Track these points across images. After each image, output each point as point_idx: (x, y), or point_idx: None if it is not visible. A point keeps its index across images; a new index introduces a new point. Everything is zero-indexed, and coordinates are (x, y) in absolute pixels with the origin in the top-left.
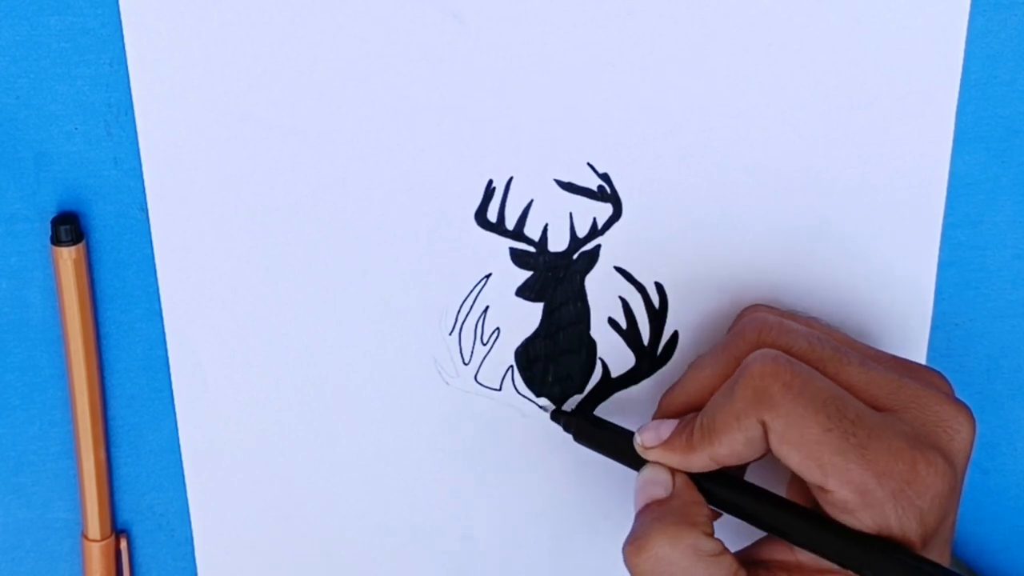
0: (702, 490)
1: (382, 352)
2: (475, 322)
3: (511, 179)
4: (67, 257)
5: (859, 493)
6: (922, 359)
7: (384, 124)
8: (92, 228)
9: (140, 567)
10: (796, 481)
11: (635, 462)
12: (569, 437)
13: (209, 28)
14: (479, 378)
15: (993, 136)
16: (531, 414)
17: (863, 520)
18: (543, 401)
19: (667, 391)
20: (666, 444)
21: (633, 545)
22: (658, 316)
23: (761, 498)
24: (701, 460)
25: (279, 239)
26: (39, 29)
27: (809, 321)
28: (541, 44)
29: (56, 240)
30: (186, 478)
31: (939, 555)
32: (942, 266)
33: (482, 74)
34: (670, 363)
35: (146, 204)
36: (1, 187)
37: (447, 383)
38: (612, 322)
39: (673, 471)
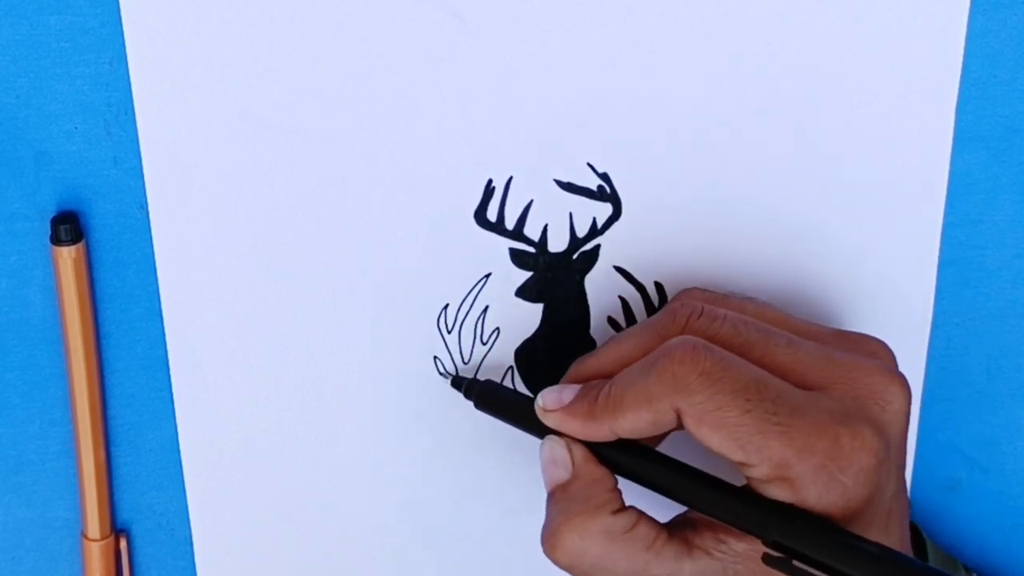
0: (605, 460)
1: (382, 352)
2: (475, 322)
3: (511, 179)
4: (67, 256)
5: (779, 468)
6: (922, 358)
7: (384, 123)
8: (92, 227)
9: (140, 566)
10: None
11: (538, 430)
12: None
13: (209, 27)
14: (479, 378)
15: (993, 135)
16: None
17: (783, 495)
18: (442, 368)
19: (580, 359)
20: (567, 408)
21: (547, 541)
22: None
23: (664, 465)
24: (601, 431)
25: (279, 238)
26: (39, 28)
27: (742, 303)
28: (541, 43)
29: (56, 239)
30: (185, 477)
31: (881, 530)
32: (942, 265)
33: (482, 73)
34: None
35: (146, 203)
36: (1, 186)
37: (447, 383)
38: (612, 322)
39: (570, 446)
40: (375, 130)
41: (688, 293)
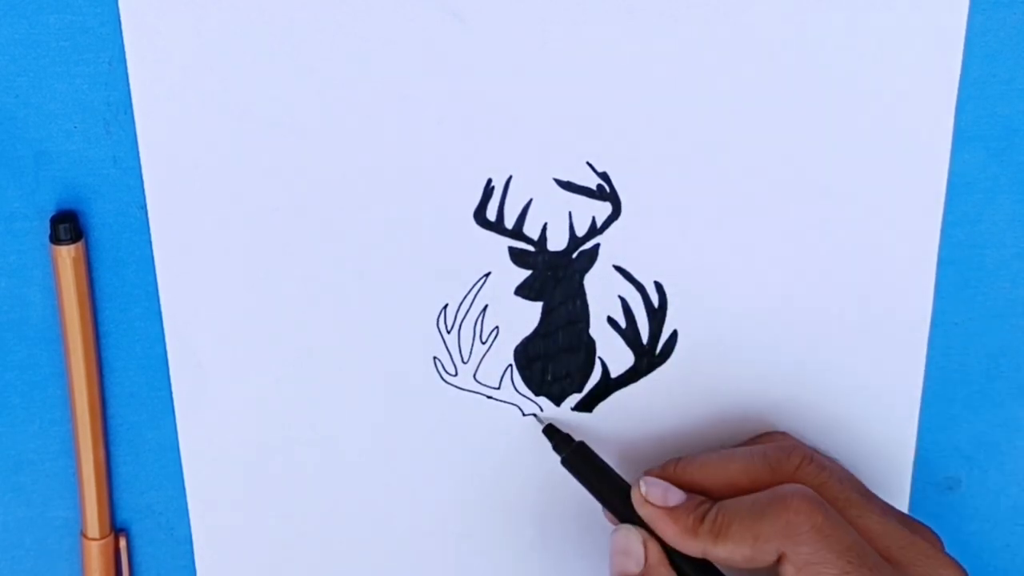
0: (675, 566)
1: (381, 350)
2: (474, 321)
3: (510, 178)
4: (66, 256)
5: None
6: (921, 359)
7: (383, 123)
8: (91, 226)
9: (139, 566)
10: None
11: (618, 508)
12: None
13: (208, 27)
14: (478, 377)
15: (992, 135)
16: (531, 413)
17: None
18: (543, 413)
19: (683, 459)
20: (669, 512)
21: None
22: (657, 315)
23: None
24: (695, 548)
25: (278, 238)
26: (38, 28)
27: (832, 462)
28: (541, 43)
29: (55, 239)
30: (185, 477)
31: None
32: (941, 265)
33: (482, 73)
34: (669, 362)
35: (145, 202)
36: (0, 185)
37: (446, 382)
38: (611, 321)
39: (647, 542)
40: (374, 130)
41: (785, 436)
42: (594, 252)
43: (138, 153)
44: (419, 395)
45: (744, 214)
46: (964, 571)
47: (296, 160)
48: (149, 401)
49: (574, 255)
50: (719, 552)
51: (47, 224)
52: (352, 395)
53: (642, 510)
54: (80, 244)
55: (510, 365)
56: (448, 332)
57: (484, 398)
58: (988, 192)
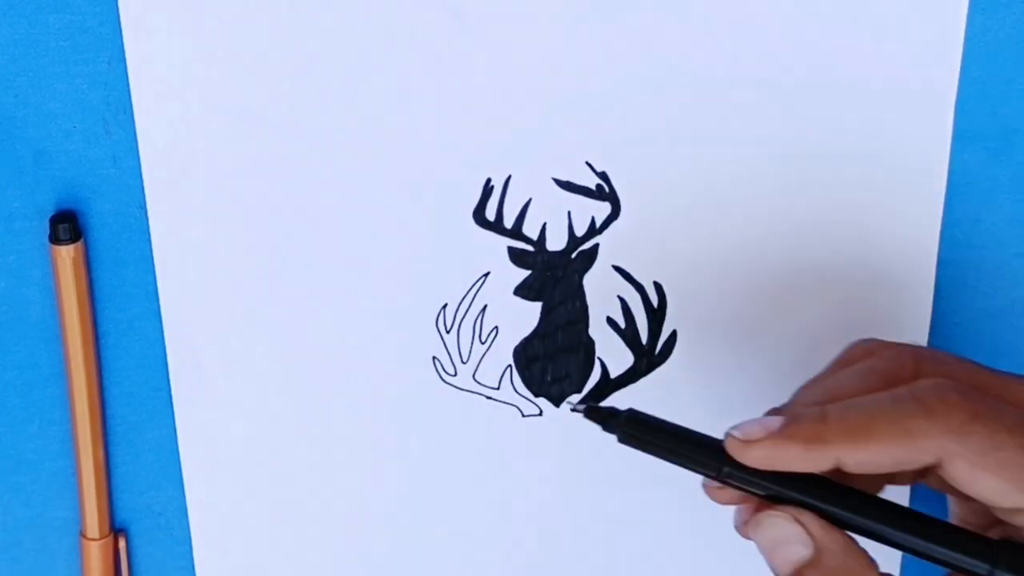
0: (837, 523)
1: (380, 350)
2: (473, 321)
3: (509, 177)
4: (66, 255)
5: None
6: None
7: (382, 122)
8: (91, 226)
9: (138, 566)
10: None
11: (712, 466)
12: (566, 435)
13: (207, 26)
14: (477, 377)
15: (992, 135)
16: (530, 413)
17: None
18: (573, 399)
19: (774, 409)
20: (781, 434)
21: None
22: (657, 315)
23: (898, 515)
24: (826, 458)
25: (277, 237)
26: (38, 27)
27: (944, 353)
28: (540, 42)
29: (55, 238)
30: (184, 477)
31: None
32: (941, 265)
33: (481, 72)
34: (668, 362)
35: (145, 202)
36: (0, 185)
37: (446, 382)
38: (611, 321)
39: (799, 517)
40: (373, 129)
41: (876, 342)
42: (593, 252)
43: (137, 153)
44: (418, 395)
45: (744, 214)
46: None
47: (295, 159)
48: (149, 401)
49: (573, 255)
50: (861, 456)
51: (46, 224)
52: (351, 395)
53: (750, 454)
54: (79, 244)
55: (509, 365)
56: (447, 332)
57: (483, 398)
58: (988, 192)
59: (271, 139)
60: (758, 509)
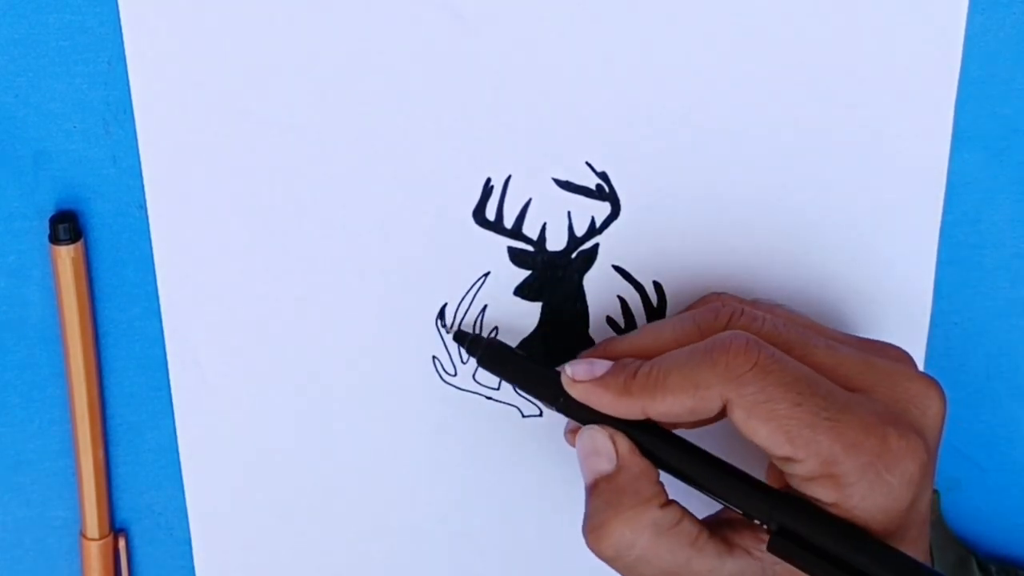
0: (644, 450)
1: (380, 351)
2: (473, 321)
3: (509, 177)
4: (66, 255)
5: (825, 464)
6: (921, 358)
7: (382, 122)
8: (91, 226)
9: (138, 566)
10: (772, 468)
11: (549, 395)
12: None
13: (208, 26)
14: (477, 377)
15: (991, 135)
16: (530, 413)
17: (827, 493)
18: (441, 368)
19: (610, 339)
20: (599, 381)
21: (593, 533)
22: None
23: (695, 457)
24: (633, 408)
25: (278, 237)
26: (38, 27)
27: (773, 308)
28: (540, 42)
29: (55, 238)
30: (184, 477)
31: (917, 534)
32: (941, 265)
33: (481, 72)
34: None
35: (145, 202)
36: None
37: (445, 382)
38: (610, 321)
39: (614, 436)
40: (373, 128)
41: (720, 296)
42: (593, 252)
43: (138, 153)
44: (418, 395)
45: (743, 214)
46: (935, 383)
47: (295, 159)
48: (148, 401)
49: (573, 255)
50: (660, 407)
51: (46, 224)
52: (351, 395)
53: (573, 391)
54: (79, 244)
55: None
56: (447, 332)
57: (483, 398)
58: (987, 192)
59: (271, 139)
60: None
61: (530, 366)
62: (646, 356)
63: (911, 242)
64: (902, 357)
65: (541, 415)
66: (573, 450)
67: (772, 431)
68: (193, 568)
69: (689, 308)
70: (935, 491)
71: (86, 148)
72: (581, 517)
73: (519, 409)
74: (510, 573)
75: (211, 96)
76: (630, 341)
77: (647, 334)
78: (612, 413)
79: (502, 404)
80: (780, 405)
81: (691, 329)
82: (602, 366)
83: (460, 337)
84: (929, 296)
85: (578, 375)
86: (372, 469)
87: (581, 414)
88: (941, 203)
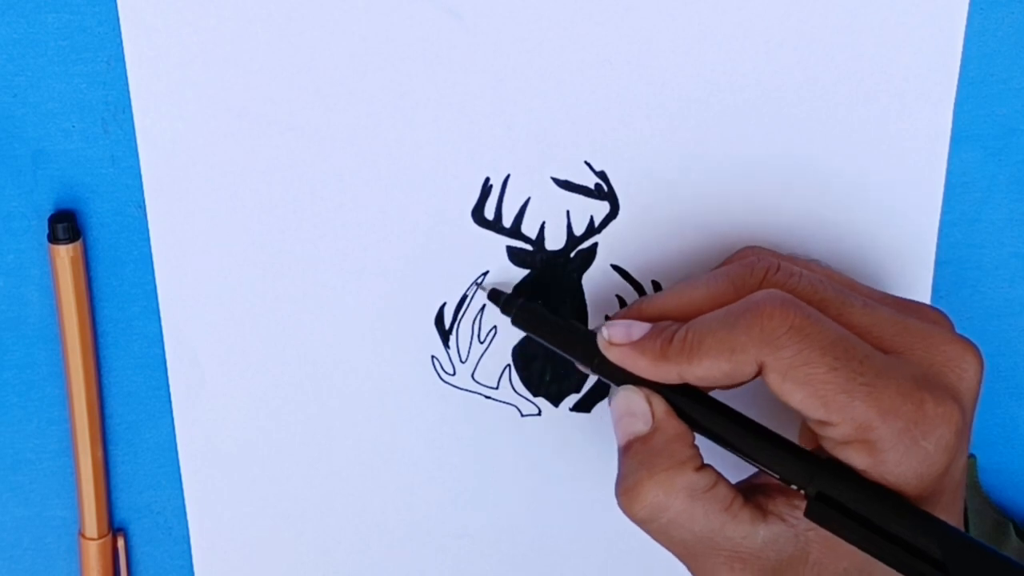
0: (681, 413)
1: (379, 350)
2: (472, 320)
3: (508, 177)
4: (64, 255)
5: (861, 429)
6: None
7: (381, 121)
8: (89, 226)
9: (137, 565)
10: (805, 428)
11: (587, 357)
12: (564, 435)
13: (207, 26)
14: (476, 376)
15: (990, 134)
16: (529, 412)
17: (861, 459)
18: (487, 283)
19: (646, 297)
20: (636, 345)
21: (626, 495)
22: None
23: (733, 421)
24: (670, 372)
25: (276, 237)
26: (37, 27)
27: (809, 264)
28: (538, 41)
29: (53, 238)
30: (183, 476)
31: (951, 499)
32: (939, 264)
33: (479, 71)
34: None
35: (144, 202)
36: None
37: (444, 381)
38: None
39: (650, 398)
40: (372, 128)
41: (752, 249)
42: (592, 251)
43: (136, 152)
44: (417, 394)
45: (742, 213)
46: (972, 345)
47: (294, 158)
48: (147, 400)
49: (572, 254)
50: (696, 371)
51: (45, 223)
52: (350, 394)
53: (611, 354)
54: (78, 244)
55: (508, 365)
56: (446, 331)
57: (482, 398)
58: (986, 191)
59: (270, 138)
60: None
61: (566, 325)
62: (682, 317)
63: (910, 241)
64: (939, 319)
65: (540, 414)
66: (572, 449)
67: (808, 395)
68: (192, 567)
69: (724, 263)
70: (972, 456)
71: (85, 148)
72: (580, 515)
73: (518, 408)
74: (509, 572)
75: (210, 96)
76: (665, 300)
77: (682, 293)
78: (649, 377)
79: (501, 404)
80: (816, 369)
81: (726, 287)
82: (639, 329)
83: (494, 296)
84: (928, 295)
85: (616, 338)
86: (371, 468)
87: (617, 375)
88: (940, 202)
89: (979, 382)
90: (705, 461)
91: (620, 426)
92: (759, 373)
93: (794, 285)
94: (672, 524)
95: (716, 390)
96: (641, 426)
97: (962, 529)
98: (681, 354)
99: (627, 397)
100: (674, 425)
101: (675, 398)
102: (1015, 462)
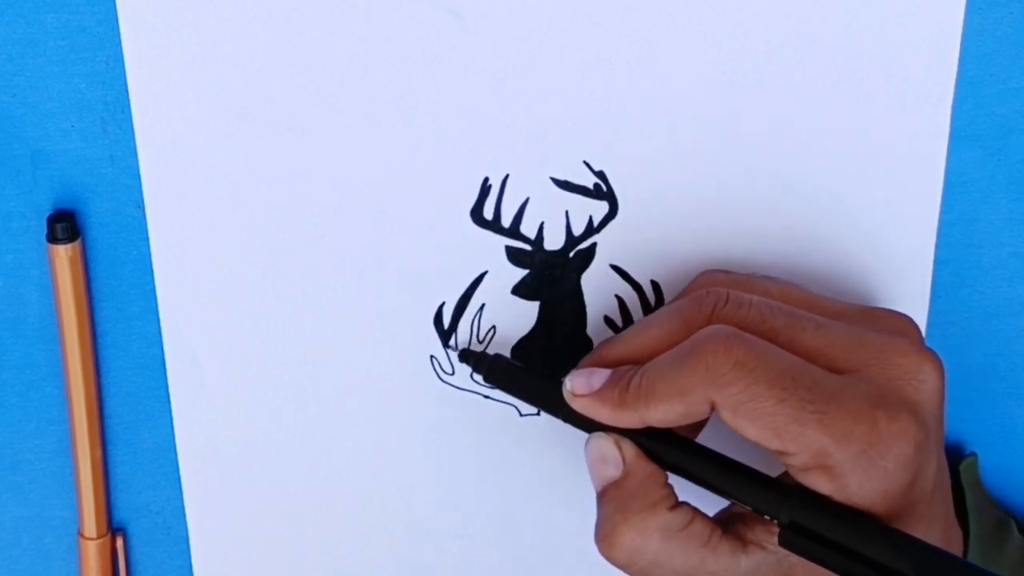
0: (652, 455)
1: (378, 350)
2: (471, 320)
3: (507, 176)
4: (63, 255)
5: (817, 456)
6: None
7: (380, 121)
8: (88, 226)
9: (136, 565)
10: None
11: (556, 409)
12: (563, 435)
13: (206, 25)
14: (475, 376)
15: (989, 134)
16: (528, 412)
17: (824, 484)
18: (439, 367)
19: (605, 341)
20: (596, 395)
21: (604, 541)
22: None
23: (701, 457)
24: (631, 419)
25: (275, 237)
26: (36, 27)
27: (765, 284)
28: (538, 41)
29: (52, 238)
30: (182, 476)
31: (924, 509)
32: (938, 264)
33: (478, 71)
34: None
35: (142, 201)
36: None
37: (443, 381)
38: (608, 321)
39: (619, 443)
40: (371, 128)
41: (709, 276)
42: (591, 251)
43: (135, 152)
44: (416, 394)
45: (741, 213)
46: (928, 354)
47: (293, 159)
48: (146, 400)
49: (571, 254)
50: (655, 416)
51: (44, 223)
52: (349, 394)
53: (575, 405)
54: (77, 243)
55: None
56: (445, 331)
57: (481, 397)
58: (985, 191)
59: (269, 138)
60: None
61: (534, 380)
62: (642, 359)
63: (909, 241)
64: (904, 327)
65: (539, 414)
66: (571, 449)
67: (760, 428)
68: (191, 567)
69: (680, 295)
70: (973, 454)
71: (84, 147)
72: (579, 515)
73: (517, 408)
74: (509, 572)
75: (209, 95)
76: (625, 344)
77: (636, 335)
78: (613, 424)
79: (500, 403)
80: (764, 403)
81: (679, 325)
82: (600, 377)
83: (465, 356)
84: (927, 295)
85: (578, 389)
86: (370, 468)
87: (586, 423)
88: (939, 202)
89: (940, 390)
90: (682, 499)
91: (594, 472)
92: (713, 411)
93: (743, 317)
94: (653, 565)
95: (687, 428)
96: (613, 471)
97: (957, 531)
98: (638, 400)
99: (598, 444)
100: (644, 467)
101: (644, 440)
102: (1016, 461)
